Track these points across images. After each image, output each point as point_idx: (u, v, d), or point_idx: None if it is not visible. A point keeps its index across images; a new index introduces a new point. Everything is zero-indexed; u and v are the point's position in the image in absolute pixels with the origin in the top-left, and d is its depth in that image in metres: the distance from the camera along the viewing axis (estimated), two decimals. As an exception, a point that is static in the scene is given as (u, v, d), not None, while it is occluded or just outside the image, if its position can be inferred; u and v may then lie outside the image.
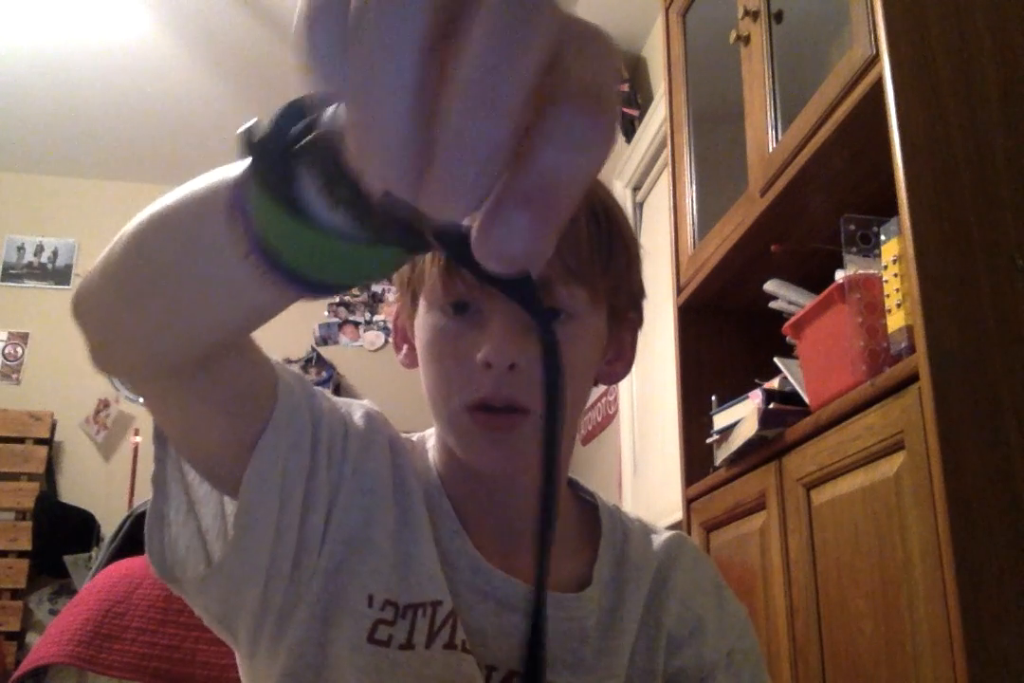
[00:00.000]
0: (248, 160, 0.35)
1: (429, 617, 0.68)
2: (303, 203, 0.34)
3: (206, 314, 0.45)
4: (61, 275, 4.28)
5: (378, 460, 0.72)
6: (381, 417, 0.76)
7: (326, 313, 4.39)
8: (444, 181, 0.25)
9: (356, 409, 0.75)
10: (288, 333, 4.25)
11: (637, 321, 0.77)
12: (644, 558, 0.79)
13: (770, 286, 1.71)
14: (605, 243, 0.70)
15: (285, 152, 0.34)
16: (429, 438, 0.80)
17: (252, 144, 0.35)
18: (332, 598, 0.67)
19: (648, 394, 3.10)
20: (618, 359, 0.77)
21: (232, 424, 0.60)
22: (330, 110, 0.33)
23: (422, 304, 0.72)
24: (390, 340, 4.93)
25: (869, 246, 1.39)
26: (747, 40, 1.76)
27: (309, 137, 0.34)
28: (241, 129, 0.35)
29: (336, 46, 0.26)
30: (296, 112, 0.35)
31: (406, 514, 0.72)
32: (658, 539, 0.82)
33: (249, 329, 0.49)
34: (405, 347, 0.77)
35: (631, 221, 0.76)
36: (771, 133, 1.65)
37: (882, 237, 1.31)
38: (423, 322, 0.71)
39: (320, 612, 0.67)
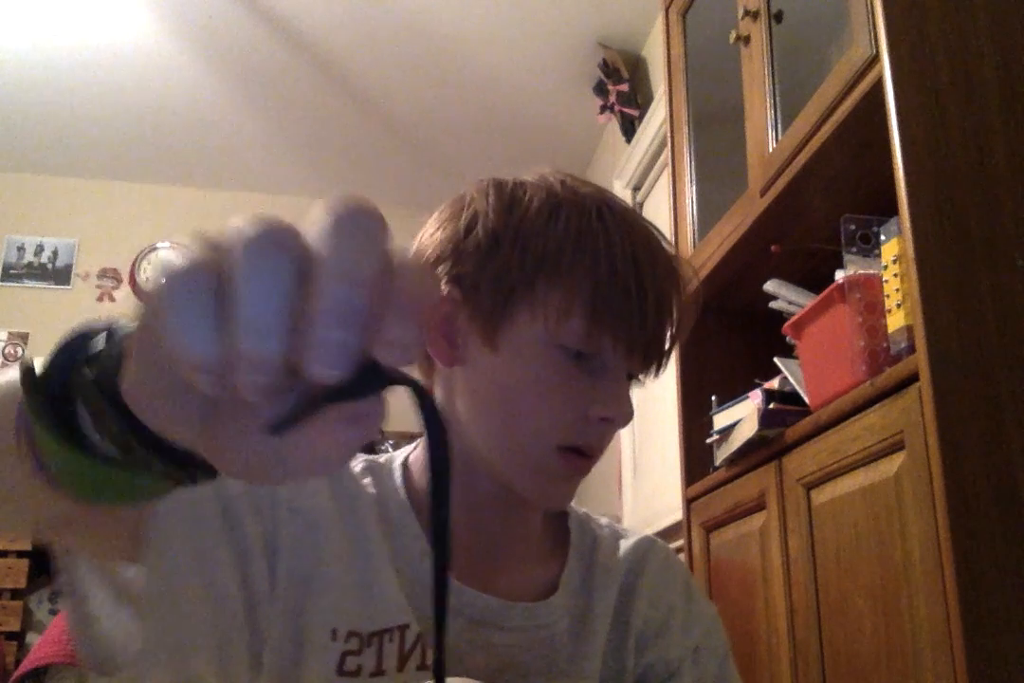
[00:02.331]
0: (26, 391, 0.37)
1: (398, 642, 0.69)
2: (79, 434, 0.36)
3: (28, 510, 0.44)
4: (61, 275, 4.28)
5: (315, 495, 0.71)
6: None
7: (326, 313, 4.39)
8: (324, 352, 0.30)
9: None
10: (288, 333, 4.25)
11: None
12: (613, 563, 0.81)
13: (770, 286, 1.71)
14: (664, 332, 0.73)
15: (63, 386, 0.36)
16: (398, 458, 0.80)
17: (29, 377, 0.37)
18: (297, 638, 0.67)
19: (648, 394, 3.10)
20: None
21: (124, 539, 0.57)
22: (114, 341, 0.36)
23: (530, 334, 0.70)
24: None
25: (869, 246, 1.39)
26: (747, 40, 1.76)
27: (86, 370, 0.36)
28: (22, 360, 0.38)
29: (203, 309, 0.30)
30: (76, 343, 0.37)
31: (358, 543, 0.71)
32: (627, 543, 0.83)
33: (81, 516, 0.45)
34: (445, 344, 0.73)
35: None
36: (771, 133, 1.65)
37: (882, 237, 1.31)
38: (531, 353, 0.70)
39: (289, 652, 0.66)
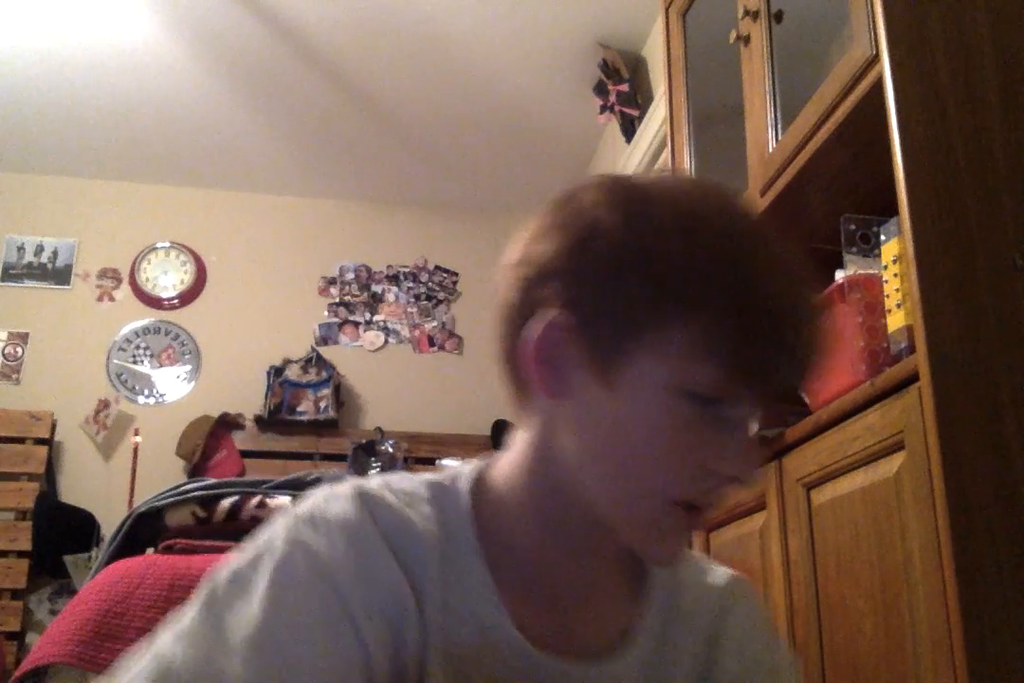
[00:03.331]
0: None
1: None
2: None
3: None
4: (61, 275, 4.28)
5: (385, 570, 0.63)
6: (364, 513, 0.64)
7: (326, 313, 4.39)
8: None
9: (340, 536, 0.62)
10: (288, 333, 4.25)
11: None
12: (697, 605, 0.74)
13: (770, 286, 1.70)
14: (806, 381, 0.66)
15: None
16: (465, 477, 0.71)
17: None
18: None
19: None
20: None
21: None
22: None
23: (654, 376, 0.61)
24: (390, 340, 4.89)
25: (869, 246, 1.39)
26: (747, 40, 1.76)
27: None
28: None
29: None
30: None
31: (420, 604, 0.64)
32: (713, 584, 0.76)
33: None
34: (551, 374, 0.64)
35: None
36: (771, 133, 1.65)
37: (882, 237, 1.31)
38: (652, 398, 0.61)
39: None
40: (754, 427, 0.64)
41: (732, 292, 0.59)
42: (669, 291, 0.59)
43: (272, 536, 0.63)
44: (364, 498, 0.65)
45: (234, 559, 0.63)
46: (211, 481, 1.96)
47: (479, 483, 0.70)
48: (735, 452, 0.62)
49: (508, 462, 0.70)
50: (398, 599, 0.62)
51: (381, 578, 0.62)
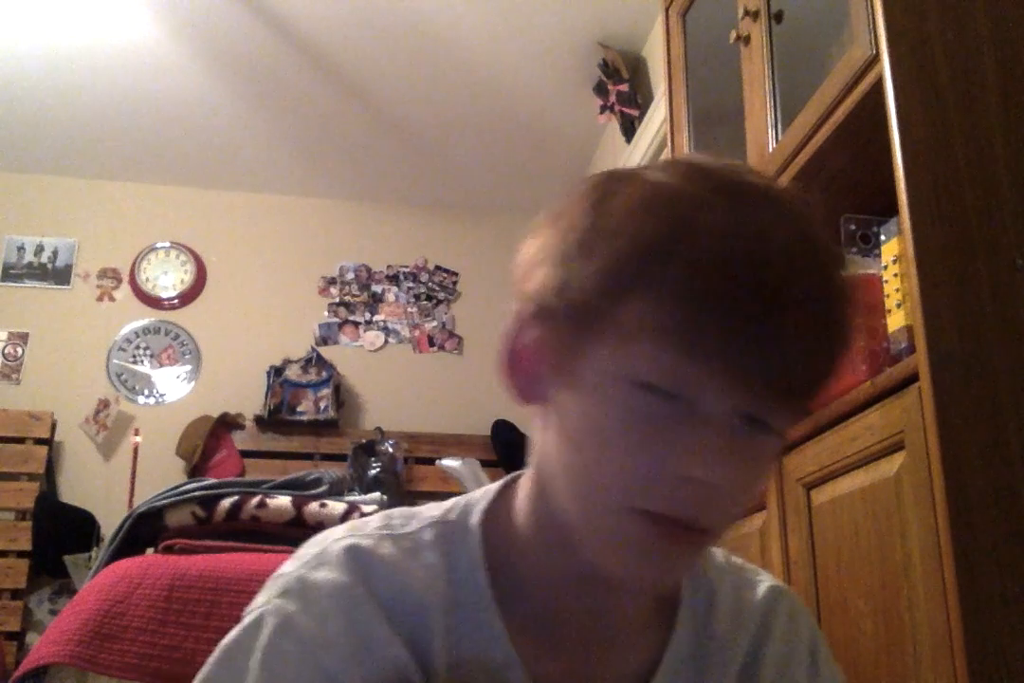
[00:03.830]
0: None
1: None
2: None
3: None
4: (61, 275, 4.28)
5: (380, 640, 0.59)
6: (355, 576, 0.60)
7: (326, 313, 4.39)
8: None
9: (329, 606, 0.59)
10: (288, 333, 4.25)
11: None
12: (734, 626, 0.68)
13: (770, 286, 1.70)
14: (829, 367, 0.55)
15: None
16: (476, 508, 0.65)
17: None
18: None
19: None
20: None
21: None
22: None
23: (602, 366, 0.55)
24: (391, 340, 4.88)
25: (869, 246, 1.39)
26: (747, 40, 1.76)
27: None
28: None
29: None
30: None
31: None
32: (753, 596, 0.70)
33: None
34: (524, 376, 0.60)
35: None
36: (771, 133, 1.65)
37: (882, 237, 1.31)
38: (602, 391, 0.55)
39: None
40: (736, 425, 0.54)
41: (679, 260, 0.51)
42: (615, 270, 0.53)
43: (262, 608, 0.60)
44: (356, 556, 0.60)
45: (228, 636, 0.61)
46: (211, 481, 1.97)
47: (493, 514, 0.64)
48: (696, 448, 0.53)
49: (522, 487, 0.65)
50: (398, 668, 0.58)
51: (376, 648, 0.58)
